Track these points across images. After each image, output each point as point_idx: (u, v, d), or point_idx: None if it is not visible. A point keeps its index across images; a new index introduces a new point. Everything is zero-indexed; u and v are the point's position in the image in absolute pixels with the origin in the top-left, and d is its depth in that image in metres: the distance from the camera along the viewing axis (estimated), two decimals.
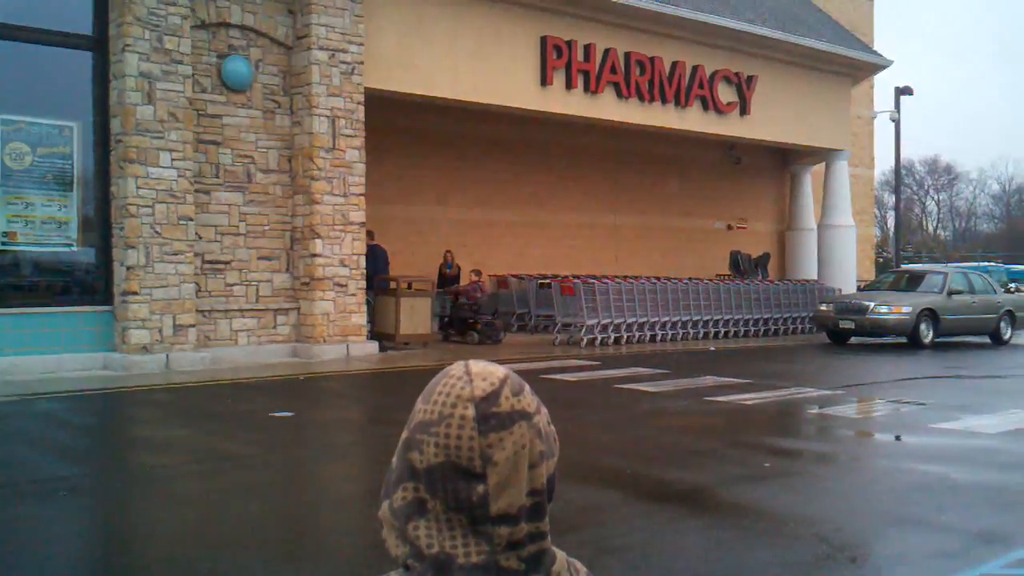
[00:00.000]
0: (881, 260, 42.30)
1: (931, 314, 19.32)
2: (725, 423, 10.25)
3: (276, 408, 10.49)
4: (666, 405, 11.22)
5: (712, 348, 18.69)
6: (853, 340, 20.06)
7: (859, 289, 22.81)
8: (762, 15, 23.29)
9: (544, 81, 18.85)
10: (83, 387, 11.95)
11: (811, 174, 27.84)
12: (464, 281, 19.69)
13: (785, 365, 16.12)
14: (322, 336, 15.18)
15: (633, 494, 6.94)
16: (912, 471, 7.82)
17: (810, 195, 27.90)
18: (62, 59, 13.82)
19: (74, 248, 13.85)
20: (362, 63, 15.80)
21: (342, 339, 15.42)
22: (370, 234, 16.68)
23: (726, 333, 20.90)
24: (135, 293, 13.38)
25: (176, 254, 13.77)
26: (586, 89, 19.51)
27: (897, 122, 33.15)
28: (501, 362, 1.31)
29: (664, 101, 20.81)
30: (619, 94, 20.04)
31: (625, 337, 18.95)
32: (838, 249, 25.49)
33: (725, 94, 21.98)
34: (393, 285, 16.96)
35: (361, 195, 15.75)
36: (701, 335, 20.38)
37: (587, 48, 19.41)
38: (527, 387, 1.29)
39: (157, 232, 13.59)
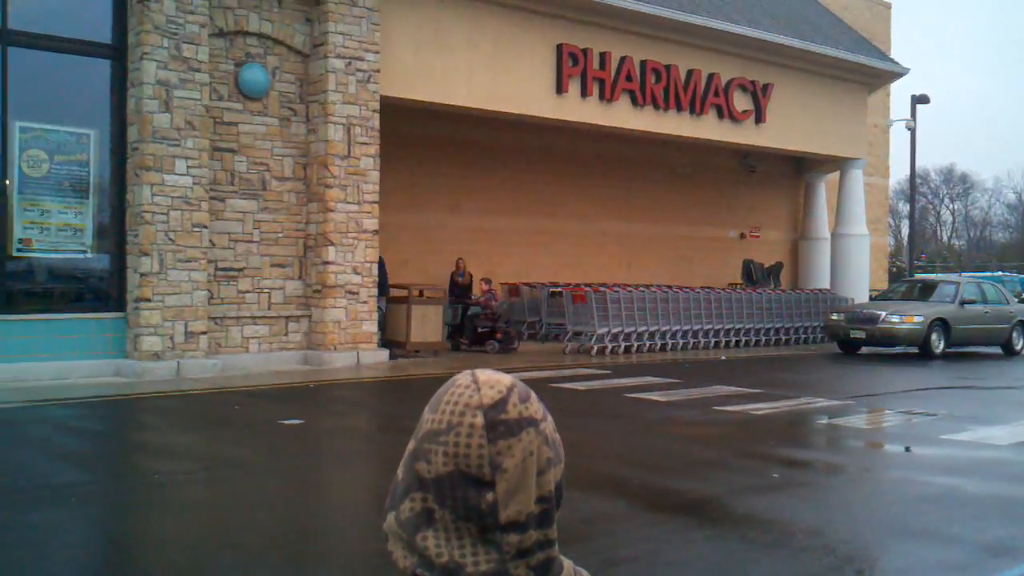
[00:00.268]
0: (895, 269, 42.13)
1: (943, 324, 19.23)
2: (735, 433, 10.23)
3: (286, 415, 10.52)
4: (676, 414, 11.21)
5: (723, 357, 18.66)
6: (864, 350, 19.98)
7: (871, 299, 22.72)
8: (778, 23, 23.27)
9: (560, 89, 18.88)
10: (94, 393, 12.01)
11: (825, 183, 27.77)
12: (477, 290, 19.68)
13: (796, 375, 16.09)
14: (333, 344, 15.22)
15: (641, 504, 6.95)
16: (922, 482, 7.80)
17: (824, 204, 27.82)
18: (81, 67, 13.92)
19: (88, 255, 13.93)
20: (378, 71, 15.87)
21: (353, 347, 15.46)
22: None
23: (738, 342, 20.86)
24: (148, 300, 13.45)
25: (190, 261, 13.83)
26: (601, 97, 19.53)
27: (913, 131, 33.05)
28: (512, 370, 1.34)
29: (679, 109, 20.82)
30: (634, 102, 20.06)
31: (636, 346, 18.94)
32: (851, 258, 25.40)
33: (740, 102, 21.98)
34: (404, 293, 16.99)
35: (375, 203, 15.80)
36: (712, 344, 20.34)
37: (603, 56, 19.44)
38: (533, 394, 1.31)
39: (171, 239, 13.66)
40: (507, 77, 18.15)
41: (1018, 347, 20.67)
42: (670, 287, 20.65)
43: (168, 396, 12.07)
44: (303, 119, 15.51)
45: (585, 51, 19.12)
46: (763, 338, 21.36)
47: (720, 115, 21.64)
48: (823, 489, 7.75)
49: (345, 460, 8.78)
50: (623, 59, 19.72)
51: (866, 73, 24.81)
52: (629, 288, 19.59)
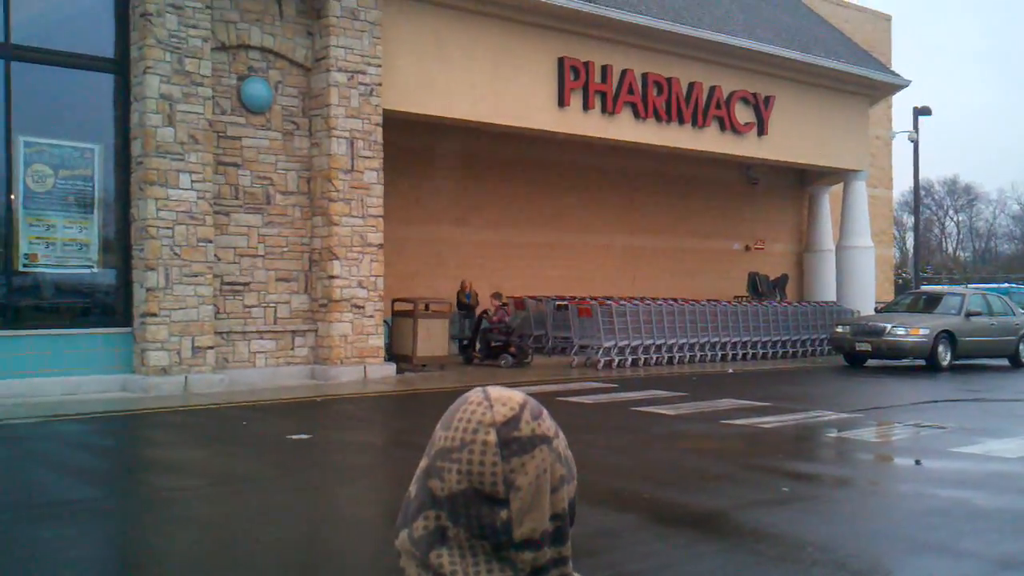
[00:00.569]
0: (900, 281, 42.10)
1: (949, 336, 19.18)
2: (743, 446, 10.20)
3: (293, 430, 10.51)
4: (683, 428, 11.18)
5: (730, 370, 18.62)
6: (870, 363, 19.93)
7: (876, 311, 22.69)
8: (779, 35, 23.32)
9: (561, 102, 18.92)
10: (102, 409, 12.00)
11: (829, 195, 27.77)
12: (483, 305, 19.64)
13: (803, 388, 16.05)
14: (339, 358, 15.21)
15: (649, 518, 6.91)
16: (931, 496, 7.76)
17: (828, 216, 27.82)
18: (84, 82, 13.97)
19: (94, 270, 13.95)
20: (380, 85, 15.90)
21: (359, 361, 15.44)
22: None
23: (744, 355, 20.82)
24: (154, 315, 13.45)
25: (195, 276, 13.84)
26: (603, 110, 19.56)
27: (916, 142, 33.07)
28: (518, 385, 1.33)
29: (681, 121, 20.84)
30: (636, 115, 20.09)
31: (642, 359, 18.91)
32: (857, 270, 25.39)
33: (742, 114, 22.00)
34: (410, 307, 16.99)
35: (379, 216, 15.81)
36: (719, 357, 20.31)
37: (604, 69, 19.48)
38: (545, 412, 1.30)
39: (176, 254, 13.67)
40: (509, 90, 18.18)
41: None
42: (675, 300, 20.63)
43: (175, 411, 12.06)
44: (306, 133, 15.54)
45: (586, 64, 19.16)
46: (769, 351, 21.32)
47: (722, 127, 21.66)
48: (832, 503, 7.71)
49: (352, 475, 8.75)
50: (624, 72, 19.76)
51: (867, 85, 24.84)
52: (634, 301, 19.57)
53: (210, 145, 14.14)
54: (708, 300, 21.53)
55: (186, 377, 13.57)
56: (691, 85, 20.94)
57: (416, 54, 16.87)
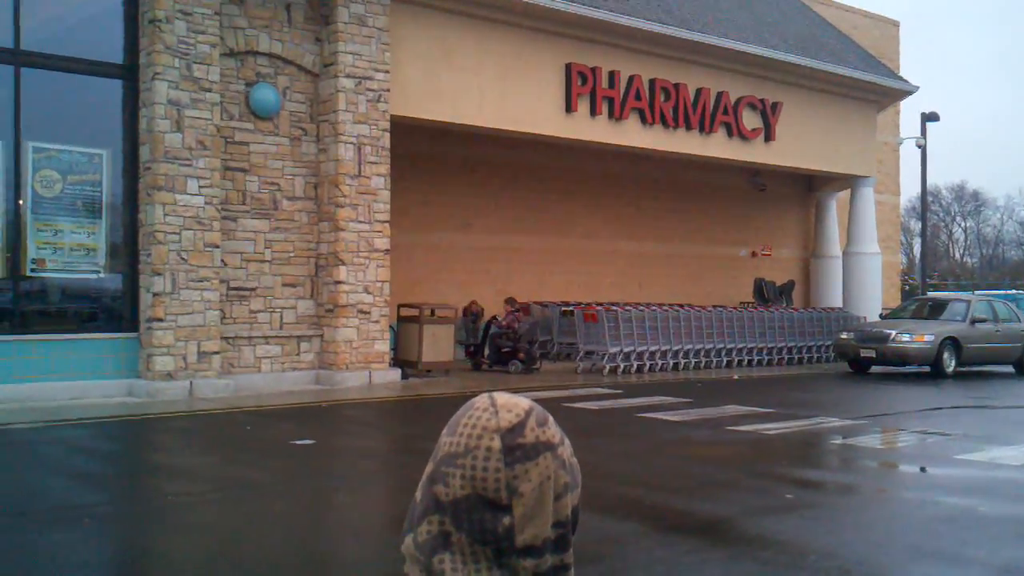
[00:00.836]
0: (907, 287, 42.00)
1: (954, 343, 19.13)
2: (748, 453, 10.19)
3: (298, 436, 10.52)
4: (688, 434, 11.17)
5: (736, 377, 18.60)
6: (875, 369, 19.89)
7: (881, 317, 22.63)
8: (787, 42, 23.32)
9: (569, 108, 18.94)
10: (107, 414, 12.02)
11: (836, 201, 27.74)
12: (492, 311, 19.61)
13: (809, 394, 16.02)
14: (345, 363, 15.22)
15: (654, 525, 6.91)
16: (937, 503, 7.74)
17: (835, 222, 27.78)
18: (93, 87, 14.02)
19: (101, 274, 13.98)
20: (388, 90, 15.94)
21: (365, 366, 15.45)
22: None
23: (750, 361, 20.79)
24: (160, 320, 13.48)
25: (202, 281, 13.87)
26: (611, 116, 19.58)
27: (923, 148, 33.03)
28: (523, 390, 1.34)
29: (688, 127, 20.85)
30: (643, 120, 20.10)
31: (648, 365, 18.89)
32: (864, 277, 25.34)
33: (750, 120, 22.00)
34: (416, 312, 17.00)
35: (386, 222, 15.84)
36: (724, 363, 20.29)
37: (612, 75, 19.50)
38: (551, 418, 1.30)
39: (183, 259, 13.70)
40: (516, 96, 18.21)
41: None
42: (681, 306, 20.61)
43: (181, 416, 12.08)
44: (313, 138, 15.57)
45: (594, 70, 19.18)
46: (775, 357, 21.28)
47: (729, 133, 21.66)
48: (837, 510, 7.70)
49: (357, 481, 8.76)
50: (632, 78, 19.77)
51: (875, 91, 24.82)
52: (640, 307, 19.56)
53: (218, 150, 14.18)
54: (714, 306, 21.50)
55: (191, 382, 13.60)
56: (698, 91, 20.95)
57: (424, 60, 16.91)
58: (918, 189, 36.89)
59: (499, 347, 18.38)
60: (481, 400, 1.30)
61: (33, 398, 12.56)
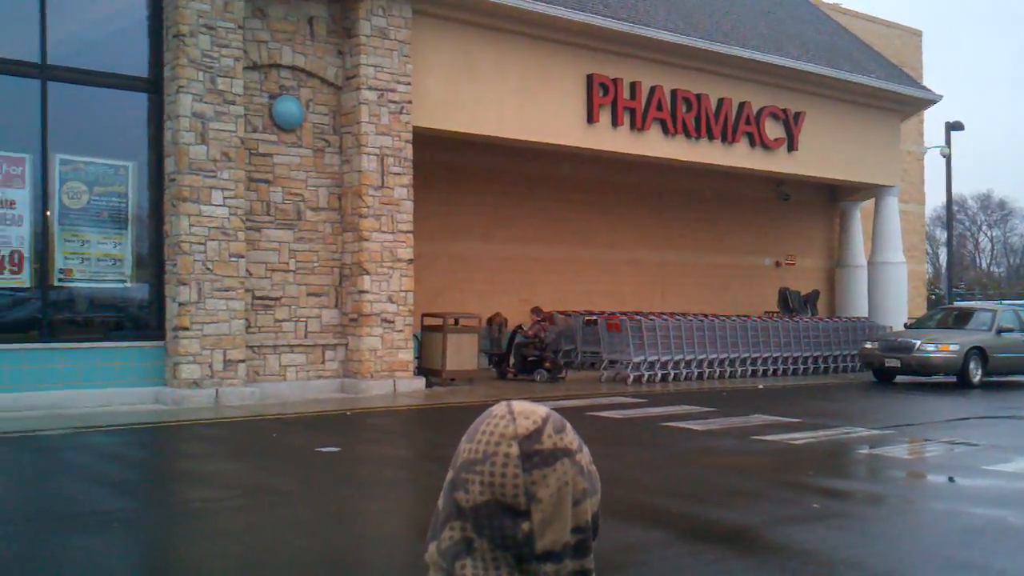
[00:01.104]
0: (933, 297, 41.70)
1: (980, 353, 18.94)
2: (773, 463, 10.13)
3: (323, 443, 10.56)
4: (713, 444, 11.12)
5: (760, 386, 18.52)
6: (900, 379, 19.72)
7: (906, 326, 22.44)
8: (809, 51, 23.25)
9: (590, 118, 18.95)
10: (134, 421, 12.12)
11: (861, 210, 27.59)
12: (515, 321, 19.61)
13: (834, 404, 15.93)
14: (369, 372, 15.28)
15: (678, 534, 6.88)
16: (966, 514, 7.68)
17: (860, 231, 27.63)
18: (119, 101, 14.16)
19: (127, 284, 14.11)
20: (410, 102, 16.01)
21: (389, 375, 15.50)
22: None
23: (775, 371, 20.69)
24: (186, 329, 13.58)
25: (227, 290, 13.96)
26: (632, 126, 19.57)
27: (948, 157, 32.82)
28: (548, 399, 1.34)
29: (711, 137, 20.81)
30: (665, 131, 20.08)
31: (672, 374, 18.84)
32: (889, 286, 25.18)
33: (772, 130, 21.94)
34: (439, 322, 17.05)
35: (409, 232, 15.90)
36: (749, 373, 20.20)
37: (633, 86, 19.50)
38: (568, 425, 1.31)
39: (209, 269, 13.80)
40: (538, 107, 18.24)
41: None
42: (705, 315, 20.55)
43: (207, 424, 12.15)
44: (337, 150, 15.66)
45: (615, 81, 19.19)
46: (800, 367, 21.17)
47: (752, 143, 21.60)
48: (864, 520, 7.64)
49: (382, 488, 8.78)
50: (653, 88, 19.76)
51: (898, 101, 24.70)
52: (664, 316, 19.52)
53: (242, 162, 14.28)
54: (738, 316, 21.42)
55: (217, 390, 13.68)
56: (720, 101, 20.91)
57: (446, 72, 16.97)
58: (943, 198, 36.67)
59: (525, 356, 18.39)
60: (499, 408, 1.31)
61: (61, 405, 12.68)
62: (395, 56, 15.80)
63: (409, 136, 15.99)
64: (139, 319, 14.26)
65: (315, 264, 15.34)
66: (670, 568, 5.95)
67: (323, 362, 15.31)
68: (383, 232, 15.55)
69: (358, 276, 15.36)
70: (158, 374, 13.80)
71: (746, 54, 20.83)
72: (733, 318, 20.74)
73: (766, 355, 20.54)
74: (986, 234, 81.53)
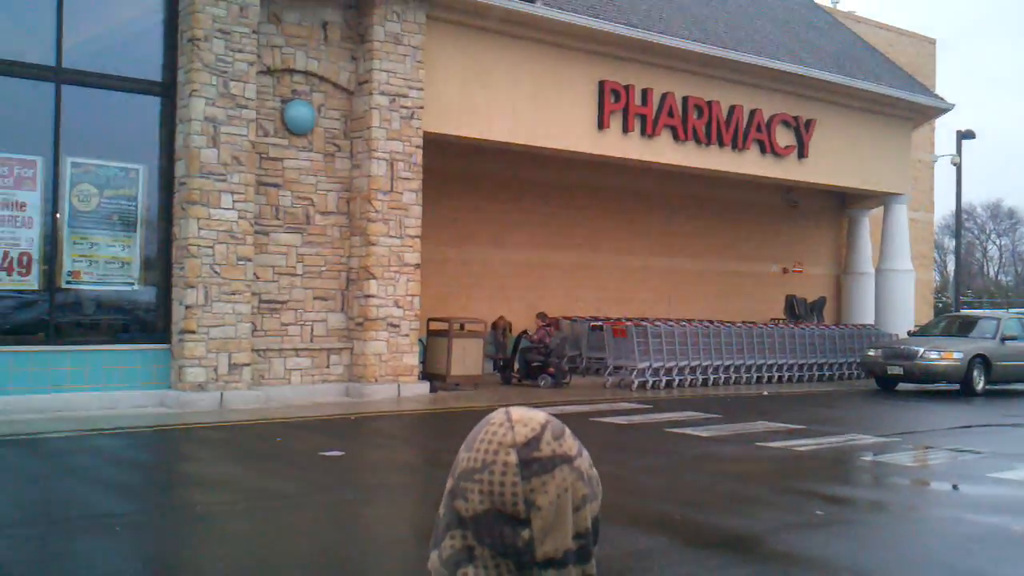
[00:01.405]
0: (940, 305, 41.57)
1: (983, 361, 18.87)
2: (777, 469, 10.13)
3: (327, 448, 10.58)
4: (717, 450, 11.12)
5: (765, 393, 18.49)
6: (903, 387, 19.65)
7: (909, 334, 22.36)
8: (821, 58, 23.24)
9: (601, 125, 18.96)
10: (139, 424, 12.15)
11: (869, 218, 27.54)
12: (521, 327, 19.61)
13: (839, 411, 15.90)
14: (374, 376, 15.30)
15: (682, 540, 6.90)
16: (970, 521, 7.67)
17: (868, 239, 27.56)
18: (131, 104, 14.21)
19: (135, 287, 14.15)
20: (422, 107, 16.04)
21: (394, 379, 15.52)
22: None
23: (780, 378, 20.66)
24: (192, 332, 13.62)
25: (234, 294, 14.00)
26: (643, 133, 19.57)
27: (958, 166, 32.75)
28: (552, 404, 1.37)
29: (721, 144, 20.80)
30: (676, 137, 20.08)
31: (677, 381, 18.81)
32: (896, 294, 25.11)
33: (783, 137, 21.92)
34: (445, 326, 17.07)
35: (417, 237, 15.93)
36: (754, 379, 20.17)
37: (644, 92, 19.50)
38: (567, 431, 1.32)
39: (216, 272, 13.85)
40: (549, 113, 18.26)
41: None
42: (711, 322, 20.53)
43: (211, 427, 12.18)
44: (347, 154, 15.70)
45: (627, 87, 19.20)
46: (805, 374, 21.13)
47: (762, 150, 21.59)
48: (868, 527, 7.64)
49: (386, 493, 8.80)
50: (664, 95, 19.77)
51: (910, 109, 24.66)
52: (670, 323, 19.50)
53: (252, 166, 14.33)
54: (744, 322, 21.40)
55: (222, 393, 13.71)
56: (731, 108, 20.91)
57: (458, 78, 17.01)
58: (953, 206, 36.51)
59: (529, 361, 18.40)
60: (497, 415, 1.32)
61: (67, 408, 12.71)
62: (408, 61, 15.84)
63: (420, 141, 16.02)
64: (146, 322, 14.30)
65: (322, 268, 15.38)
66: (673, 574, 5.97)
67: (328, 366, 15.33)
68: (391, 236, 15.58)
69: (365, 280, 15.39)
70: (164, 377, 13.83)
71: (758, 61, 20.83)
72: (738, 325, 20.72)
73: (771, 362, 20.52)
74: (995, 243, 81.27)
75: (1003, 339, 19.43)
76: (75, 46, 13.64)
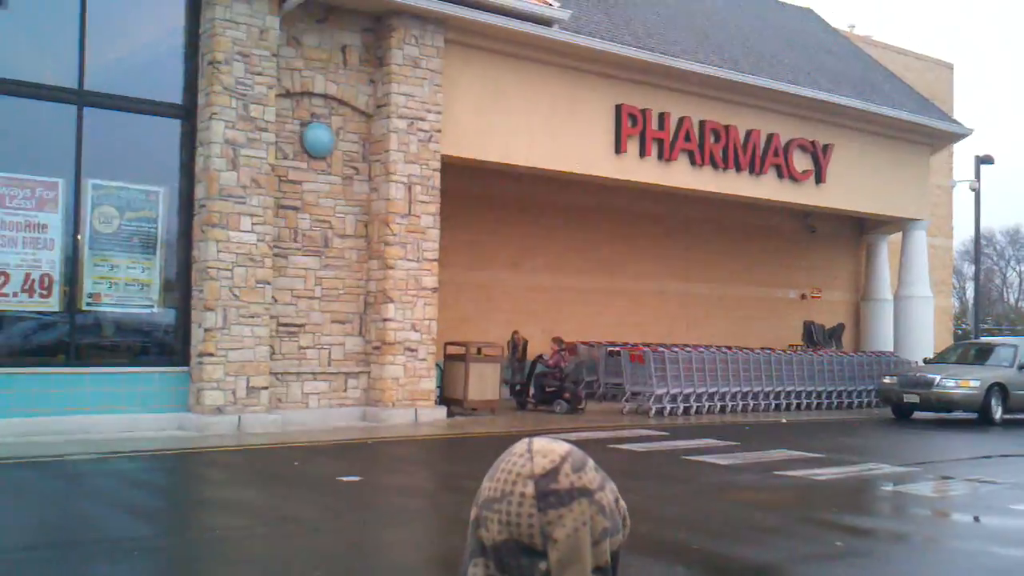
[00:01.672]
0: (960, 332, 41.29)
1: (1001, 389, 18.65)
2: (796, 499, 10.05)
3: (344, 472, 10.57)
4: (735, 479, 11.04)
5: (784, 420, 18.37)
6: (920, 415, 19.42)
7: (925, 361, 22.18)
8: (838, 83, 23.23)
9: (618, 149, 18.98)
10: (158, 447, 12.17)
11: (888, 243, 27.43)
12: (533, 353, 19.57)
13: (858, 439, 15.78)
14: (391, 400, 15.28)
15: (700, 570, 6.84)
16: (992, 554, 7.58)
17: (887, 265, 27.45)
18: (152, 126, 14.33)
19: (155, 309, 14.21)
20: (440, 131, 16.11)
21: (411, 403, 15.50)
22: None
23: (798, 405, 20.53)
24: (211, 354, 13.66)
25: (253, 317, 14.04)
26: (660, 157, 19.59)
27: (977, 191, 32.62)
28: (569, 431, 1.36)
29: (738, 169, 20.79)
30: (693, 162, 20.08)
31: (695, 407, 18.71)
32: (915, 320, 24.95)
33: (800, 162, 21.89)
34: (462, 351, 17.06)
35: (434, 260, 15.95)
36: (773, 407, 20.05)
37: (661, 116, 19.53)
38: (590, 463, 1.31)
39: (235, 295, 13.89)
40: (566, 137, 18.30)
41: None
42: (729, 348, 20.44)
43: (229, 451, 12.19)
44: (365, 177, 15.76)
45: (644, 111, 19.23)
46: (824, 401, 20.99)
47: (780, 175, 21.56)
48: (888, 559, 7.56)
49: (403, 518, 8.78)
50: (682, 119, 19.79)
51: (928, 134, 24.60)
52: (688, 348, 19.43)
53: (272, 189, 14.40)
54: (762, 349, 21.30)
55: (240, 417, 13.72)
56: (748, 133, 20.91)
57: (476, 101, 17.08)
58: (972, 232, 36.36)
59: (544, 386, 18.33)
60: (519, 445, 1.32)
61: (85, 430, 12.75)
62: (426, 85, 15.92)
63: (438, 165, 16.07)
64: (165, 344, 14.35)
65: (340, 291, 15.41)
66: None
67: (345, 390, 15.34)
68: (408, 260, 15.61)
69: (382, 304, 15.41)
70: (182, 400, 13.87)
71: (776, 86, 20.84)
72: (756, 351, 20.62)
73: (789, 388, 20.39)
74: (1014, 269, 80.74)
75: (1020, 367, 19.21)
76: (97, 69, 13.78)
